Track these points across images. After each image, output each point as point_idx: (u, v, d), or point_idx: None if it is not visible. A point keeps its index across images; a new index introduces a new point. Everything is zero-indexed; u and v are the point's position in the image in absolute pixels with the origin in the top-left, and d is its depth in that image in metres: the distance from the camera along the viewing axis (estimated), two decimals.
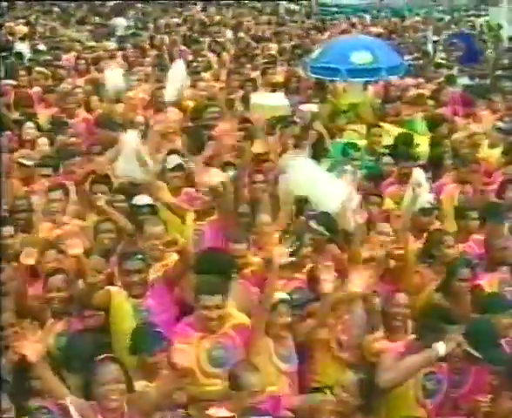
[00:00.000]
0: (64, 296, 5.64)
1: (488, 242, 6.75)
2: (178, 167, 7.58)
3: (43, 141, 8.88)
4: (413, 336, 5.38)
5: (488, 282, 6.38)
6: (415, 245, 6.82)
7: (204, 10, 23.59)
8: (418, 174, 6.90)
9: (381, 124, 10.63)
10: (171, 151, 8.02)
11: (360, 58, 10.81)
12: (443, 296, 6.12)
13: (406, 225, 6.72)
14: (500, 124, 10.09)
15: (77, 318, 5.65)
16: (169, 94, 9.22)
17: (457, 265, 6.22)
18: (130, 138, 7.22)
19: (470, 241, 7.03)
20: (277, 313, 5.55)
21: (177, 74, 9.14)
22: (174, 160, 7.66)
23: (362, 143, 9.58)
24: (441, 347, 4.97)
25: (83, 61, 13.03)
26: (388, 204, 7.70)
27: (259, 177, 7.64)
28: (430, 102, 11.42)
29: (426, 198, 6.89)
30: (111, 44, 15.55)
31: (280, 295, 5.65)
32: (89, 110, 10.49)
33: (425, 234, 6.88)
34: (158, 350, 5.05)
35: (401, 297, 5.68)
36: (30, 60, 13.93)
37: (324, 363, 5.82)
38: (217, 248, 6.25)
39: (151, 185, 7.05)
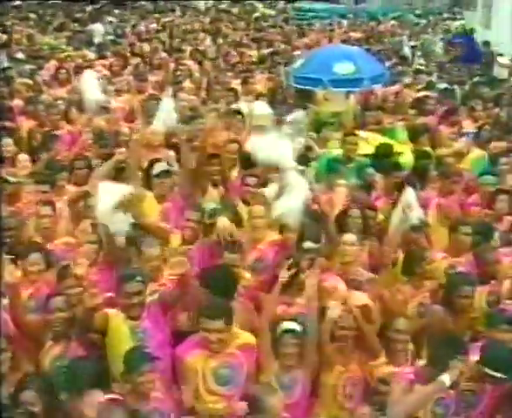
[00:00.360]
0: (64, 317, 5.65)
1: (479, 256, 6.88)
2: (164, 173, 7.56)
3: (23, 157, 8.72)
4: (422, 362, 5.44)
5: (478, 295, 6.51)
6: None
7: (182, 15, 23.51)
8: (409, 195, 6.96)
9: (362, 132, 10.78)
10: (155, 161, 8.04)
11: (343, 69, 10.93)
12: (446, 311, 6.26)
13: (395, 245, 6.81)
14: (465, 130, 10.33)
15: (76, 341, 5.64)
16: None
17: (459, 282, 6.35)
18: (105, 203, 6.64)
19: (462, 258, 7.13)
20: (282, 342, 5.66)
21: (165, 113, 9.18)
22: (160, 167, 7.65)
23: (338, 151, 9.66)
24: (446, 379, 5.01)
25: (64, 71, 12.90)
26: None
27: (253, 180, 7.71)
28: (411, 111, 11.50)
29: (416, 214, 6.96)
30: (91, 53, 15.41)
31: (287, 324, 5.73)
32: (69, 121, 10.37)
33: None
34: (146, 370, 5.10)
35: (401, 322, 5.76)
36: (5, 69, 13.44)
37: (328, 407, 5.84)
38: (221, 265, 6.28)
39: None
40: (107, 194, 6.28)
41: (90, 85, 10.16)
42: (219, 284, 5.81)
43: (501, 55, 17.72)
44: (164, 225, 7.01)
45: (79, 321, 5.61)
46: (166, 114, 8.34)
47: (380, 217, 7.65)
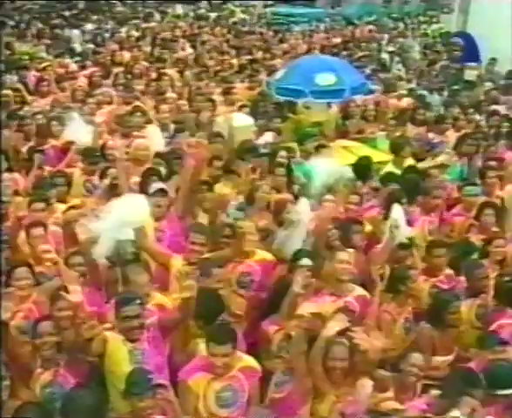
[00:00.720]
0: (54, 341, 5.67)
1: (468, 272, 7.03)
2: (160, 192, 7.56)
3: (5, 176, 8.49)
4: (436, 392, 5.49)
5: (468, 308, 6.72)
6: None
7: (161, 21, 23.37)
8: (396, 213, 7.05)
9: (345, 141, 10.90)
10: (149, 171, 8.15)
11: (325, 80, 11.02)
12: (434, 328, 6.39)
13: (383, 263, 6.92)
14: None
15: (66, 367, 5.67)
16: None
17: (448, 299, 6.52)
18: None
19: (441, 276, 7.28)
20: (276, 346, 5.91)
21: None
22: (156, 185, 7.67)
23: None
24: (456, 416, 5.06)
25: (45, 82, 12.86)
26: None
27: None
28: (392, 121, 11.60)
29: (404, 233, 7.06)
30: (72, 64, 15.32)
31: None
32: (51, 135, 10.16)
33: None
34: (148, 395, 5.16)
35: (418, 358, 5.74)
36: None
37: None
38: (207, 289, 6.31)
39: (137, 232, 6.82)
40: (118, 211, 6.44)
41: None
42: (204, 308, 5.92)
43: None
44: (164, 251, 7.03)
45: (71, 345, 5.65)
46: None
47: (368, 228, 7.76)
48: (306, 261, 6.55)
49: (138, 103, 11.50)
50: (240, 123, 10.40)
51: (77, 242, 6.74)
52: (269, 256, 7.12)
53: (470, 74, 16.23)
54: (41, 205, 7.51)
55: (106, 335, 5.68)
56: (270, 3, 29.13)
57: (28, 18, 23.08)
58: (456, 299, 6.60)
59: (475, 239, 7.97)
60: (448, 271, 7.32)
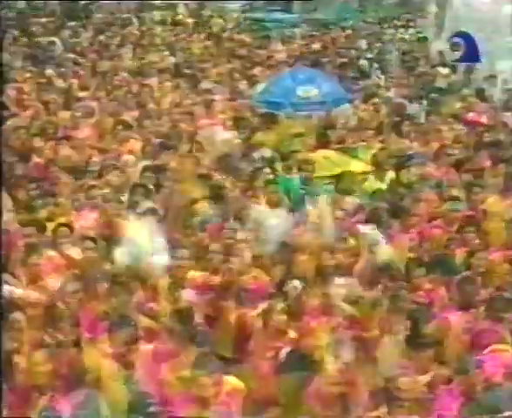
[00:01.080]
0: (48, 370, 5.66)
1: (459, 286, 7.10)
2: (150, 211, 7.66)
3: None
4: None
5: (457, 320, 6.75)
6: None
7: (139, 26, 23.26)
8: (373, 232, 7.14)
9: (327, 151, 10.99)
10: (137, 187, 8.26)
11: (306, 92, 11.17)
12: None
13: (364, 280, 7.01)
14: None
15: (63, 394, 5.69)
16: None
17: (424, 318, 6.58)
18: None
19: (421, 291, 7.34)
20: None
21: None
22: (145, 204, 7.79)
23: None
24: None
25: (25, 95, 12.81)
26: None
27: None
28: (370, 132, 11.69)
29: (385, 252, 7.16)
30: (53, 73, 15.26)
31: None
32: (33, 150, 10.19)
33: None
34: None
35: (405, 382, 5.75)
36: None
37: None
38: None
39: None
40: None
41: None
42: None
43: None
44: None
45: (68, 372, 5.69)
46: None
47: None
48: (295, 283, 6.64)
49: (121, 116, 11.52)
50: (221, 136, 10.51)
51: (73, 262, 6.78)
52: (262, 275, 7.21)
53: (441, 81, 16.37)
54: (33, 228, 7.56)
55: (101, 362, 5.71)
56: (247, 8, 29.12)
57: (4, 26, 22.90)
58: (432, 317, 6.66)
59: (459, 252, 8.10)
60: (428, 286, 7.39)
